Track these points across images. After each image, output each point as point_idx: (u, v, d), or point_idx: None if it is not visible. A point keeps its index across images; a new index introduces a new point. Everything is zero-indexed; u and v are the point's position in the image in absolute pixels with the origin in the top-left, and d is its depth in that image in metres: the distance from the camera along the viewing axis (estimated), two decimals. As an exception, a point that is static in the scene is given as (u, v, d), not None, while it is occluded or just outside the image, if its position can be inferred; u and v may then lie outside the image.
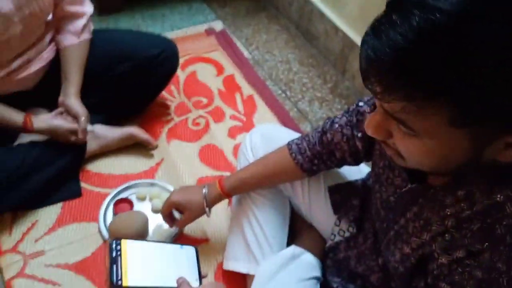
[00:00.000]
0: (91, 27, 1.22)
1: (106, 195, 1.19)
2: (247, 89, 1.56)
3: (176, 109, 1.45)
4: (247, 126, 1.43)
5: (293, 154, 0.96)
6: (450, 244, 0.59)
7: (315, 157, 0.94)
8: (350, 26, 1.62)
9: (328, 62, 1.75)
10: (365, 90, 1.59)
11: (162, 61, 1.25)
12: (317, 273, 0.99)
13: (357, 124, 0.87)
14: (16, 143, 1.17)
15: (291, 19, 1.90)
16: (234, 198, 1.10)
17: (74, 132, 1.13)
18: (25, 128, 1.09)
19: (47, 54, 1.18)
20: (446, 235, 0.60)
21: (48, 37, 1.18)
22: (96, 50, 1.21)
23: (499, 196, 0.55)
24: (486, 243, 0.54)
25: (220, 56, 1.66)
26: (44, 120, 1.12)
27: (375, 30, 0.48)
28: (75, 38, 1.18)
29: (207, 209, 1.01)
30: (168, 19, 1.80)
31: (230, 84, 1.56)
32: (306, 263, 1.00)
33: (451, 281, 0.57)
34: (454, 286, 0.57)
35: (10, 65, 1.10)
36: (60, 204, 1.16)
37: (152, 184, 1.23)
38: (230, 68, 1.62)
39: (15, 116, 1.08)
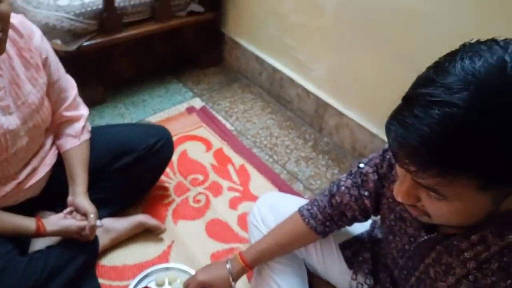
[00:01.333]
0: (89, 127, 1.29)
1: (124, 287, 1.21)
2: (237, 160, 1.65)
3: (176, 190, 1.51)
4: (245, 195, 1.51)
5: (306, 220, 1.04)
6: (474, 284, 0.68)
7: (327, 219, 1.03)
8: (320, 88, 1.78)
9: (304, 122, 1.89)
10: (345, 144, 1.71)
11: (160, 148, 1.33)
12: (345, 327, 1.05)
13: (362, 184, 0.97)
14: (31, 249, 1.18)
15: (263, 86, 2.05)
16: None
17: (84, 229, 1.16)
18: (39, 234, 1.11)
19: (50, 160, 1.23)
20: (470, 276, 0.69)
21: (48, 143, 1.23)
22: (98, 148, 1.27)
23: (511, 236, 0.65)
24: (509, 280, 0.64)
25: (205, 132, 1.75)
26: (55, 222, 1.14)
27: (400, 121, 0.58)
28: (76, 140, 1.24)
29: (233, 283, 1.06)
30: (148, 104, 1.90)
31: (220, 158, 1.65)
32: (333, 320, 1.06)
33: (483, 319, 0.66)
34: (486, 324, 0.65)
35: (18, 176, 1.14)
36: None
37: (167, 268, 1.26)
38: (217, 142, 1.72)
39: (27, 223, 1.11)
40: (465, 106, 0.52)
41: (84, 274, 1.20)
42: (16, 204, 1.17)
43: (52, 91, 1.16)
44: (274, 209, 1.17)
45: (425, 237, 0.79)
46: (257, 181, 1.57)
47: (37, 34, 1.08)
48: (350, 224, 1.06)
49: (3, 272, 1.03)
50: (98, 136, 1.29)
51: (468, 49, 0.57)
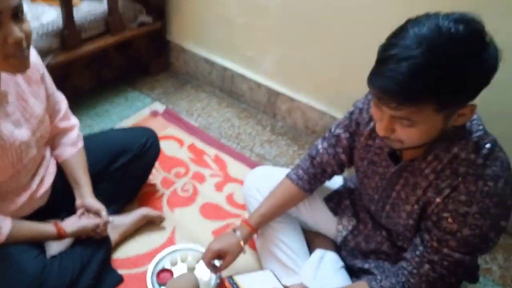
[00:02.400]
0: (81, 135, 1.39)
1: (142, 273, 1.34)
2: (210, 151, 1.83)
3: (163, 184, 1.65)
4: (226, 178, 1.71)
5: (295, 182, 1.28)
6: (437, 189, 0.96)
7: (311, 178, 1.28)
8: (270, 79, 2.02)
9: (259, 111, 2.13)
10: (298, 124, 1.97)
11: (150, 145, 1.47)
12: (341, 263, 1.30)
13: (336, 144, 1.22)
14: (49, 252, 1.25)
15: (214, 85, 2.24)
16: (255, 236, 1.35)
17: (99, 226, 1.27)
18: (60, 236, 1.21)
19: (52, 169, 1.31)
20: (432, 184, 0.98)
21: (48, 153, 1.31)
22: (95, 153, 1.37)
23: (454, 149, 0.94)
24: (459, 178, 0.92)
25: (174, 131, 1.90)
26: (72, 223, 1.24)
27: (380, 75, 0.82)
28: (74, 148, 1.33)
29: (245, 246, 1.25)
30: (112, 113, 1.99)
31: (195, 151, 1.82)
32: (332, 259, 1.30)
33: (448, 210, 0.94)
34: (451, 212, 0.93)
35: (30, 186, 1.22)
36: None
37: (176, 250, 1.41)
38: (187, 138, 1.88)
39: (48, 228, 1.20)
40: (422, 57, 0.78)
41: (104, 267, 1.31)
42: (28, 215, 1.25)
43: (48, 104, 1.25)
44: (266, 180, 1.39)
45: (393, 169, 1.06)
46: (233, 166, 1.77)
47: (33, 52, 1.18)
48: (330, 178, 1.31)
49: (44, 271, 1.12)
50: (93, 142, 1.39)
51: (413, 22, 0.83)
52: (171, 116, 2.00)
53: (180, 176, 1.70)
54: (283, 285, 1.05)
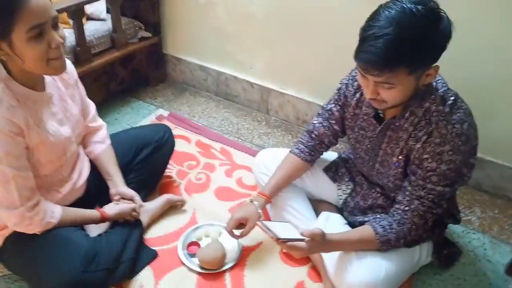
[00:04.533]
0: (108, 134, 1.58)
1: (172, 248, 1.53)
2: (216, 144, 2.05)
3: (178, 175, 1.85)
4: (234, 166, 1.92)
5: (298, 155, 1.51)
6: (416, 138, 1.20)
7: (311, 150, 1.51)
8: (262, 78, 2.26)
9: (253, 109, 2.36)
10: (289, 117, 2.20)
11: (168, 138, 1.68)
12: (344, 220, 1.52)
13: (329, 117, 1.46)
14: (91, 235, 1.42)
15: (210, 90, 2.47)
16: (268, 206, 1.56)
17: (135, 210, 1.46)
18: (103, 219, 1.39)
19: (87, 162, 1.49)
20: (412, 135, 1.21)
21: (81, 150, 1.50)
22: (122, 148, 1.56)
23: (426, 103, 1.18)
24: (433, 125, 1.17)
25: (180, 131, 2.11)
26: (112, 207, 1.42)
27: (363, 51, 1.06)
28: (103, 145, 1.52)
29: (261, 212, 1.45)
30: (121, 121, 2.19)
31: (202, 146, 2.03)
32: (336, 218, 1.51)
33: (427, 152, 1.17)
34: (429, 153, 1.17)
35: (71, 177, 1.40)
36: (148, 269, 1.45)
37: (199, 227, 1.60)
38: (194, 136, 2.09)
39: (92, 212, 1.38)
40: (393, 33, 1.02)
41: (140, 246, 1.49)
42: (69, 204, 1.43)
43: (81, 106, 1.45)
44: (272, 158, 1.61)
45: (379, 128, 1.30)
46: (238, 155, 1.99)
47: (68, 61, 1.38)
48: (327, 149, 1.54)
49: (95, 245, 1.30)
50: (119, 139, 1.59)
51: (384, 6, 1.08)
52: (176, 119, 2.20)
53: (192, 167, 1.90)
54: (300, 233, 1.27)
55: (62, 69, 1.17)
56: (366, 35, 1.07)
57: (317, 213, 1.58)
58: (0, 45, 1.06)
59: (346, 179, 1.57)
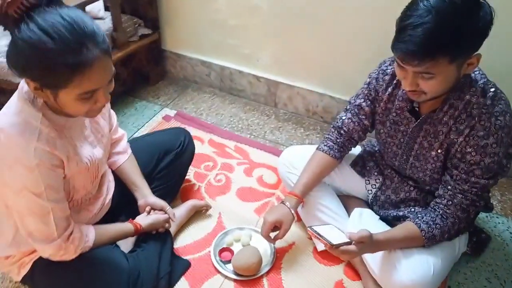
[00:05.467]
0: (128, 143, 1.50)
1: (204, 255, 1.49)
2: (229, 143, 1.99)
3: (196, 178, 1.80)
4: (252, 164, 1.88)
5: (327, 152, 1.47)
6: (457, 131, 1.19)
7: (341, 147, 1.48)
8: (268, 72, 2.20)
9: (260, 103, 2.31)
10: (299, 109, 2.15)
11: (188, 142, 1.62)
12: (377, 216, 1.50)
13: (359, 112, 1.43)
14: (125, 249, 1.37)
15: (213, 85, 2.40)
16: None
17: (166, 220, 1.41)
18: (137, 231, 1.33)
19: (111, 176, 1.42)
20: (453, 128, 1.20)
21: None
22: (143, 156, 1.49)
23: (466, 96, 1.16)
24: (476, 118, 1.15)
25: (191, 130, 2.04)
26: (145, 219, 1.36)
27: (402, 41, 1.03)
28: (126, 155, 1.45)
29: (294, 213, 1.42)
30: (127, 124, 2.10)
31: (216, 145, 1.98)
32: (369, 213, 1.50)
33: (470, 145, 1.16)
34: (473, 146, 1.16)
35: (101, 194, 1.33)
36: (183, 280, 1.41)
37: (228, 232, 1.56)
38: (205, 135, 2.03)
39: (126, 226, 1.32)
40: (433, 21, 1.00)
41: (172, 257, 1.44)
42: (98, 221, 1.36)
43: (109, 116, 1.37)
44: (298, 156, 1.57)
45: (415, 123, 1.28)
46: (254, 153, 1.94)
47: None
48: (356, 144, 1.52)
49: (136, 264, 1.25)
50: (140, 146, 1.52)
51: None
52: (183, 118, 2.13)
53: (210, 169, 1.85)
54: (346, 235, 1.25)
55: (94, 116, 1.11)
56: (404, 24, 1.04)
57: (347, 209, 1.56)
58: (43, 88, 0.97)
59: (375, 173, 1.55)
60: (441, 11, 0.99)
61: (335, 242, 1.14)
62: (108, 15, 1.98)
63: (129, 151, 1.47)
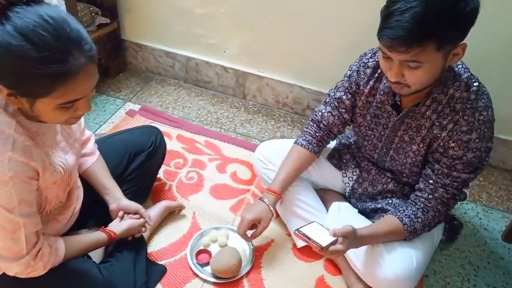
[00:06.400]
0: (96, 144, 1.39)
1: (180, 259, 1.42)
2: (199, 138, 1.92)
3: (166, 177, 1.71)
4: (225, 160, 1.81)
5: (305, 147, 1.43)
6: (440, 126, 1.18)
7: (319, 141, 1.44)
8: (237, 62, 2.13)
9: (229, 95, 2.23)
10: (269, 100, 2.10)
11: (160, 141, 1.53)
12: (355, 209, 1.49)
13: (339, 106, 1.39)
14: (95, 258, 1.28)
15: (178, 77, 2.30)
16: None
17: (142, 224, 1.33)
18: (111, 239, 1.24)
19: (79, 182, 1.32)
20: (436, 123, 1.19)
21: None
22: (112, 157, 1.39)
23: (450, 90, 1.16)
24: (459, 113, 1.15)
25: (158, 125, 1.92)
26: (119, 225, 1.28)
27: (389, 27, 0.99)
28: (94, 156, 1.34)
29: (273, 210, 1.38)
30: (87, 121, 1.97)
31: (185, 141, 1.89)
32: (348, 207, 1.49)
33: (454, 140, 1.16)
34: (456, 141, 1.16)
35: (71, 202, 1.22)
36: (159, 287, 1.34)
37: (204, 233, 1.50)
38: (173, 131, 1.94)
39: (98, 235, 1.23)
40: (420, 6, 0.97)
41: (147, 263, 1.36)
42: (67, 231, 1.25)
43: None
44: (275, 151, 1.53)
45: (396, 117, 1.26)
46: (226, 148, 1.88)
47: None
48: (335, 138, 1.49)
49: (111, 276, 1.17)
50: (108, 147, 1.41)
51: None
52: (149, 113, 2.03)
53: (180, 166, 1.77)
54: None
55: (72, 124, 1.03)
56: (390, 10, 1.01)
57: (325, 203, 1.54)
58: (17, 95, 0.86)
59: (352, 166, 1.53)
60: None
61: (324, 244, 1.11)
62: (62, 3, 1.82)
63: (97, 152, 1.37)
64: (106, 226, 1.28)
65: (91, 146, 1.35)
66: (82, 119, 1.30)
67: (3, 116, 0.91)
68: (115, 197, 1.33)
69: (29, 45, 0.79)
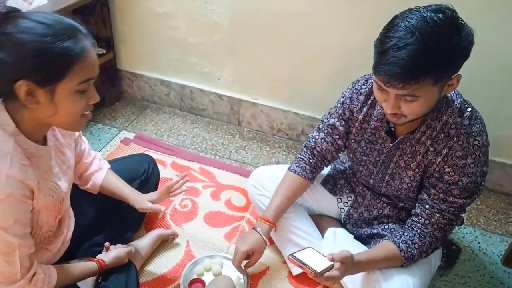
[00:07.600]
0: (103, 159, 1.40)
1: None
2: (193, 165, 1.91)
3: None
4: (219, 187, 1.80)
5: (299, 174, 1.43)
6: (435, 152, 1.18)
7: (313, 167, 1.44)
8: (230, 89, 2.15)
9: (223, 122, 2.24)
10: (263, 127, 2.10)
11: (153, 169, 1.53)
12: (351, 235, 1.47)
13: (332, 132, 1.39)
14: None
15: (173, 105, 2.31)
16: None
17: (128, 252, 1.31)
18: (101, 269, 1.22)
19: (71, 211, 1.30)
20: (431, 149, 1.19)
21: None
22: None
23: (444, 117, 1.16)
24: (454, 138, 1.15)
25: (152, 153, 1.94)
26: (108, 254, 1.27)
27: (385, 63, 1.00)
28: (103, 171, 1.35)
29: (267, 240, 1.36)
30: (82, 149, 1.97)
31: (179, 168, 1.88)
32: (343, 232, 1.47)
33: (449, 165, 1.15)
34: (452, 166, 1.15)
35: (62, 231, 1.20)
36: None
37: (197, 261, 1.47)
38: (167, 158, 1.94)
39: (87, 266, 1.21)
40: (416, 43, 0.98)
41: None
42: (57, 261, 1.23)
43: (76, 146, 1.26)
44: (269, 178, 1.52)
45: (391, 144, 1.26)
46: (220, 174, 1.87)
47: None
48: (328, 164, 1.48)
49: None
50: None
51: (401, 16, 1.03)
52: (143, 141, 2.03)
53: (175, 194, 1.74)
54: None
55: (82, 126, 1.05)
56: (386, 47, 1.01)
57: (320, 229, 1.52)
58: (35, 92, 0.89)
59: (347, 191, 1.52)
60: (425, 32, 0.97)
61: (319, 269, 1.09)
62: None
63: (105, 166, 1.38)
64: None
65: (97, 162, 1.36)
66: (86, 143, 1.34)
67: (2, 134, 0.92)
68: (137, 198, 1.34)
69: (42, 26, 0.86)
